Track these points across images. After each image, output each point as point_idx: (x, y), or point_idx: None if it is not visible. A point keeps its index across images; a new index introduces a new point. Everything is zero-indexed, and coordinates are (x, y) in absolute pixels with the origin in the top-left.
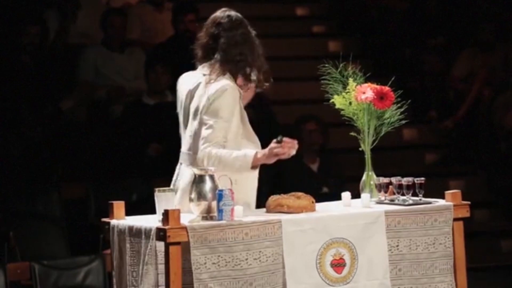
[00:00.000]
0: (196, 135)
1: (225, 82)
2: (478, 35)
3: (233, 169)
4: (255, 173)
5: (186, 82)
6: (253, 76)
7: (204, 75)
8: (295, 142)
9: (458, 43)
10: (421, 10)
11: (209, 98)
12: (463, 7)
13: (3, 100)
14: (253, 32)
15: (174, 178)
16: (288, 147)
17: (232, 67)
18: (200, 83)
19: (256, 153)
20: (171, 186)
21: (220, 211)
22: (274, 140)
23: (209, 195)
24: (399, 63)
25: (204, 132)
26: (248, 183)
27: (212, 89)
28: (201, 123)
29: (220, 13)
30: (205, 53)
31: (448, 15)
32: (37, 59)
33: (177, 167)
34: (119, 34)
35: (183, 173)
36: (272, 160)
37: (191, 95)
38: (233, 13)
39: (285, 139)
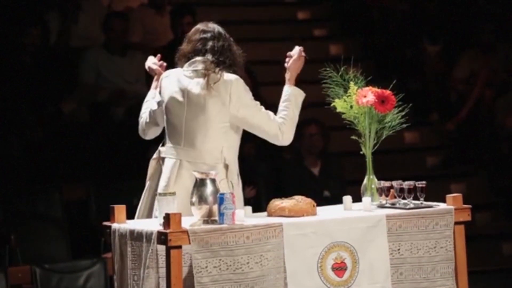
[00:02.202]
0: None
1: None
2: (478, 36)
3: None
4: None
5: (177, 79)
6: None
7: (195, 70)
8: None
9: (459, 44)
10: (422, 11)
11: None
12: (463, 8)
13: (4, 101)
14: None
15: (167, 175)
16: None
17: (226, 67)
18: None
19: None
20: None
21: (221, 214)
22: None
23: (210, 199)
24: (400, 65)
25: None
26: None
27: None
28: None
29: (202, 25)
30: (192, 53)
31: (448, 16)
32: (38, 61)
33: (171, 165)
34: (121, 37)
35: (183, 176)
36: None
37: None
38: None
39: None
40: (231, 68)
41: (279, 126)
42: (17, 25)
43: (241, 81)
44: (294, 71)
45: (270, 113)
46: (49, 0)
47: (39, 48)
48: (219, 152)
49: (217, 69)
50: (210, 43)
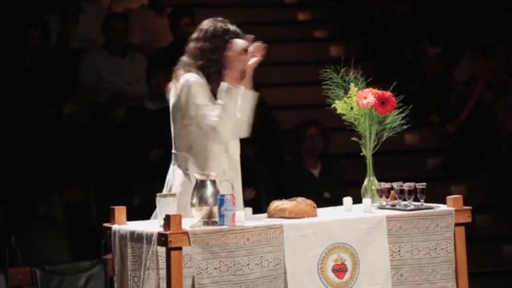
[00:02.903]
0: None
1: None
2: (479, 37)
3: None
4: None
5: None
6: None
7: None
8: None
9: (459, 46)
10: (422, 12)
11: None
12: (463, 9)
13: (5, 101)
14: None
15: (167, 177)
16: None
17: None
18: None
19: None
20: (165, 187)
21: (221, 216)
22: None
23: (211, 200)
24: (400, 66)
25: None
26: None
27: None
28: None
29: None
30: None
31: (449, 17)
32: (38, 62)
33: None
34: (121, 39)
35: (175, 174)
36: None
37: None
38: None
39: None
40: (206, 71)
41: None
42: (17, 26)
43: (186, 85)
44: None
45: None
46: (49, 1)
47: (39, 49)
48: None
49: (180, 72)
50: (191, 44)
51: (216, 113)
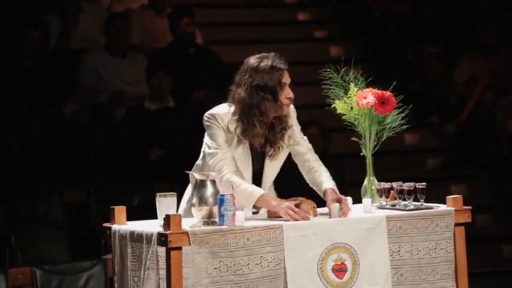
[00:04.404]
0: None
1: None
2: (479, 38)
3: (237, 198)
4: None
5: None
6: None
7: None
8: (308, 217)
9: (459, 46)
10: (422, 13)
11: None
12: (464, 10)
13: (5, 102)
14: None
15: None
16: (299, 217)
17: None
18: None
19: (263, 195)
20: None
21: (221, 216)
22: (293, 202)
23: (211, 200)
24: (401, 67)
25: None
26: None
27: None
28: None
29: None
30: None
31: (449, 18)
32: (38, 62)
33: None
34: (122, 39)
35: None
36: (279, 212)
37: None
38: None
39: (302, 206)
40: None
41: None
42: (17, 26)
43: (208, 119)
44: (273, 208)
45: (215, 160)
46: (49, 2)
47: (40, 50)
48: None
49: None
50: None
51: (228, 177)
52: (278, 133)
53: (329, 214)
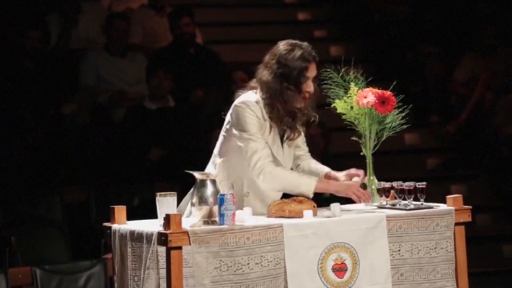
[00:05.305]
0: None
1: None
2: (479, 39)
3: (288, 191)
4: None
5: None
6: None
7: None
8: (369, 197)
9: (459, 47)
10: (423, 14)
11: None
12: (464, 11)
13: (5, 103)
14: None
15: None
16: (363, 199)
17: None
18: None
19: (320, 180)
20: None
21: (221, 215)
22: (360, 183)
23: (211, 200)
24: (401, 67)
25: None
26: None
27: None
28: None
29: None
30: None
31: (449, 18)
32: (38, 63)
33: None
34: (122, 39)
35: None
36: (344, 191)
37: None
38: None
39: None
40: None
41: (260, 169)
42: (17, 27)
43: (241, 107)
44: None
45: (252, 152)
46: (49, 2)
47: (40, 51)
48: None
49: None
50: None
51: (270, 167)
52: (298, 120)
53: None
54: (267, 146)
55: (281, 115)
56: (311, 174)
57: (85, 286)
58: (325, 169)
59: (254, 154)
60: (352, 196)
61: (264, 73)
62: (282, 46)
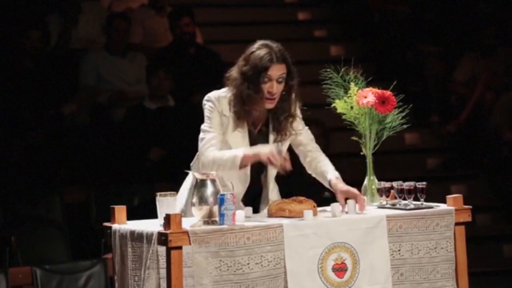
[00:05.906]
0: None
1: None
2: (479, 39)
3: (225, 170)
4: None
5: None
6: None
7: None
8: (288, 167)
9: (460, 47)
10: (423, 14)
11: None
12: (464, 11)
13: (5, 103)
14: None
15: None
16: (275, 164)
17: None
18: None
19: (244, 155)
20: None
21: (221, 215)
22: (275, 145)
23: (211, 200)
24: (401, 67)
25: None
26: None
27: None
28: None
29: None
30: None
31: (449, 18)
32: (38, 63)
33: None
34: (122, 38)
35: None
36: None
37: None
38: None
39: (283, 155)
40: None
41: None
42: (17, 27)
43: (205, 101)
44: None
45: (204, 143)
46: (49, 2)
47: (40, 50)
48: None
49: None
50: None
51: (212, 155)
52: (283, 121)
53: (342, 207)
54: (220, 139)
55: (244, 116)
56: (318, 177)
57: (85, 286)
58: (330, 175)
59: (205, 145)
60: (264, 160)
61: (232, 72)
62: (254, 45)
